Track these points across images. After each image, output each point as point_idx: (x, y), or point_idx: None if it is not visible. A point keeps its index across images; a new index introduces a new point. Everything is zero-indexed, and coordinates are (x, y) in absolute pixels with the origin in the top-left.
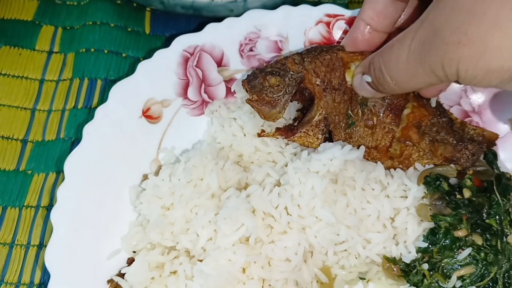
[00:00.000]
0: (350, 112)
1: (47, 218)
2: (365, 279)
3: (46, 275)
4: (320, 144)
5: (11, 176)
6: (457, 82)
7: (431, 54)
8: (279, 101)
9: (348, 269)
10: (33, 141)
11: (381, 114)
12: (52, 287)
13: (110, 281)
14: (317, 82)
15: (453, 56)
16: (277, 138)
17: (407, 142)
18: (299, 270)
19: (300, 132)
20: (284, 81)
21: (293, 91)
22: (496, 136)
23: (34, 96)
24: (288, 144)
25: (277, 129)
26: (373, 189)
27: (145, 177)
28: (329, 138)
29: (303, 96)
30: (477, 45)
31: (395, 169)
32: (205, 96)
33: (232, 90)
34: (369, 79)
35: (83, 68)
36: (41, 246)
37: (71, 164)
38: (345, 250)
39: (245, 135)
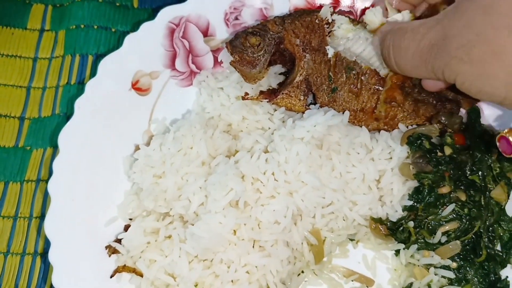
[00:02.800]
0: (331, 74)
1: (47, 191)
2: (354, 240)
3: (49, 244)
4: (303, 105)
5: (11, 152)
6: None
7: (435, 58)
8: (259, 60)
9: (336, 231)
10: (30, 118)
11: (366, 76)
12: (53, 254)
13: (108, 246)
14: (296, 43)
15: (453, 68)
16: (261, 101)
17: (392, 103)
18: (289, 232)
19: (283, 93)
20: (264, 40)
21: (272, 51)
22: None
23: (28, 74)
24: (276, 110)
25: (261, 92)
26: (358, 153)
27: (137, 147)
28: (314, 103)
29: (284, 58)
30: (476, 68)
31: (379, 132)
32: (193, 67)
33: (219, 60)
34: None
35: (74, 44)
36: (43, 217)
37: (64, 137)
38: (332, 212)
39: (233, 104)
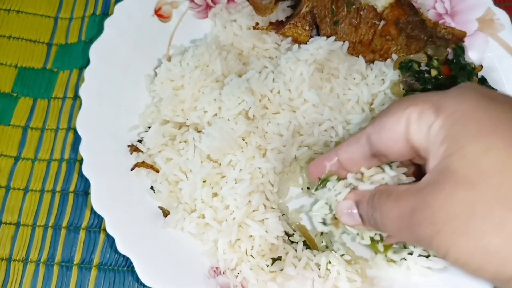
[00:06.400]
0: (333, 7)
1: (73, 107)
2: None
3: (73, 152)
4: (308, 35)
5: (39, 73)
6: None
7: (420, 227)
8: None
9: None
10: (57, 44)
11: (364, 10)
12: (83, 148)
13: (131, 145)
14: None
15: (444, 240)
16: (270, 31)
17: (387, 36)
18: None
19: (289, 24)
20: None
21: None
22: (464, 34)
23: (56, 5)
24: (283, 40)
25: (270, 23)
26: (354, 78)
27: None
28: (318, 34)
29: None
30: (474, 242)
31: (373, 63)
32: (209, 1)
33: None
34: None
35: None
36: (69, 129)
37: (95, 50)
38: (326, 131)
39: (244, 33)
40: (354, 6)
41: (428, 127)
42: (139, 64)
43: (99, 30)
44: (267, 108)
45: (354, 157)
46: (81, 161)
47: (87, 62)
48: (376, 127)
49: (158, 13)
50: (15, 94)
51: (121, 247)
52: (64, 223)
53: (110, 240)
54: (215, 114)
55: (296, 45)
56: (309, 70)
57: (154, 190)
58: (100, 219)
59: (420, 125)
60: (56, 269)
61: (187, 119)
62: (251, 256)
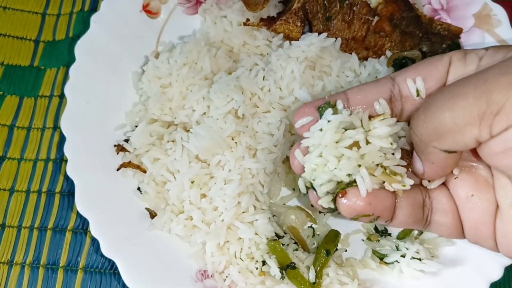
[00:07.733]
0: (326, 2)
1: (59, 105)
2: None
3: (60, 152)
4: (300, 32)
5: (26, 70)
6: None
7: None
8: None
9: None
10: (44, 41)
11: (358, 6)
12: (68, 147)
13: (117, 145)
14: None
15: None
16: (261, 27)
17: (381, 33)
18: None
19: (281, 20)
20: None
21: None
22: (460, 30)
23: (44, 1)
24: (274, 36)
25: (261, 19)
26: (347, 76)
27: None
28: (310, 31)
29: None
30: None
31: (367, 60)
32: None
33: None
34: None
35: None
36: (55, 128)
37: (81, 46)
38: None
39: (235, 29)
40: (347, 2)
41: (478, 58)
42: (127, 61)
43: (87, 26)
44: (257, 107)
45: (369, 97)
46: (67, 161)
47: (74, 60)
48: (407, 69)
49: (146, 9)
50: (1, 93)
51: (105, 250)
52: (50, 225)
53: (96, 242)
54: (204, 113)
55: (287, 42)
56: (301, 68)
57: (140, 191)
58: (86, 221)
59: (470, 57)
60: (41, 271)
61: (175, 118)
62: (240, 258)
